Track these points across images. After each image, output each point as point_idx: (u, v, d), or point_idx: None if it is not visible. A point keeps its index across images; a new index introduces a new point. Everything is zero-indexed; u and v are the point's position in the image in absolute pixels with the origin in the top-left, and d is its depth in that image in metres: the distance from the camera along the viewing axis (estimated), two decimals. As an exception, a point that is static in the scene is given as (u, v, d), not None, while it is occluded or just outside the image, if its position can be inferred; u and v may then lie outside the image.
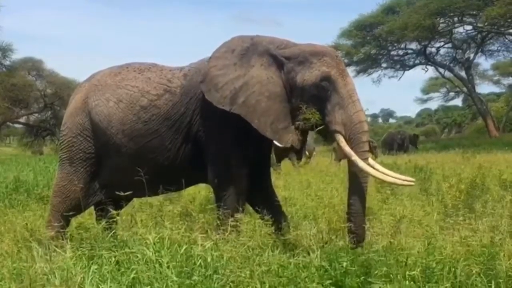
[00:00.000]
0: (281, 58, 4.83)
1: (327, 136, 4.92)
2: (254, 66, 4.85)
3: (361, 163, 4.49)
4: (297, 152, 14.73)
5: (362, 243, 4.44)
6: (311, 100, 4.70)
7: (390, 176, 4.67)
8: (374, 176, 4.60)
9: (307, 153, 15.90)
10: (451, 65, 40.35)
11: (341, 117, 4.61)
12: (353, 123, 4.59)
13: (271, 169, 5.74)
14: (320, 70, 4.68)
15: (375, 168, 4.61)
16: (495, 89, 52.46)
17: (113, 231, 4.44)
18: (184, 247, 3.82)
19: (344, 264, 3.76)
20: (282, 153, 14.33)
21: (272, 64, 4.85)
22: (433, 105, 65.15)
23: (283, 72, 4.83)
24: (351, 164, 4.58)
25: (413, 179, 4.82)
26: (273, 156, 12.45)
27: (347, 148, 4.56)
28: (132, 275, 3.57)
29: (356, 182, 4.61)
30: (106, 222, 4.64)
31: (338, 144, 4.66)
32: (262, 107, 4.74)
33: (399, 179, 4.70)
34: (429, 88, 51.71)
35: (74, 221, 5.45)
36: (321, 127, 4.71)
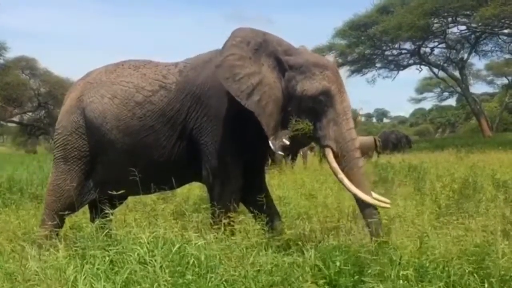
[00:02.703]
0: (285, 65, 4.84)
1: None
2: (263, 65, 4.85)
3: (346, 181, 4.59)
4: (292, 154, 14.78)
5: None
6: (307, 111, 4.75)
7: (371, 198, 4.64)
8: (354, 194, 4.60)
9: (301, 153, 15.92)
10: (445, 65, 40.44)
11: (335, 133, 4.70)
12: (345, 140, 4.69)
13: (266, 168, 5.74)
14: (321, 84, 4.72)
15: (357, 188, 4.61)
16: (489, 89, 52.75)
17: (107, 230, 4.42)
18: (178, 246, 3.82)
19: (338, 263, 3.78)
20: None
21: (275, 68, 4.87)
22: (427, 105, 65.61)
23: (283, 79, 4.84)
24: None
25: (389, 201, 4.80)
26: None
27: (334, 165, 4.66)
28: (125, 275, 3.56)
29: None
30: (99, 221, 4.63)
31: (327, 159, 4.75)
32: (270, 109, 4.75)
33: (378, 200, 4.67)
34: (423, 88, 51.96)
35: (68, 220, 5.43)
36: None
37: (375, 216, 4.53)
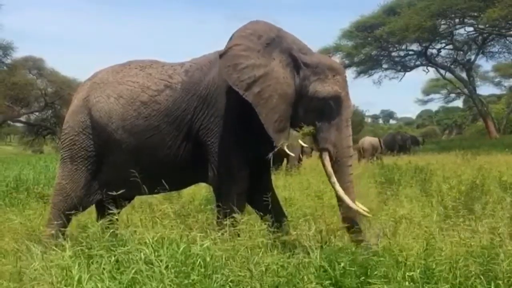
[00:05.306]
0: (300, 63, 4.85)
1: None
2: (274, 60, 4.85)
3: (337, 186, 4.71)
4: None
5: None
6: (314, 112, 4.80)
7: (356, 205, 4.73)
8: (342, 198, 4.70)
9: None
10: (452, 66, 40.34)
11: (335, 138, 4.77)
12: (343, 146, 4.78)
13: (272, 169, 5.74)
14: (333, 89, 4.77)
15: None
16: (496, 90, 52.56)
17: (112, 230, 4.42)
18: (183, 247, 3.82)
19: (343, 264, 3.77)
20: (282, 155, 14.31)
21: (289, 65, 4.87)
22: (434, 106, 65.32)
23: (298, 76, 4.86)
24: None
25: (369, 211, 4.84)
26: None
27: (329, 169, 4.76)
28: (131, 274, 3.56)
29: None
30: (105, 221, 4.63)
31: (322, 161, 4.83)
32: (273, 103, 4.75)
33: (361, 209, 4.74)
34: (430, 89, 51.73)
35: (74, 220, 5.44)
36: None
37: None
